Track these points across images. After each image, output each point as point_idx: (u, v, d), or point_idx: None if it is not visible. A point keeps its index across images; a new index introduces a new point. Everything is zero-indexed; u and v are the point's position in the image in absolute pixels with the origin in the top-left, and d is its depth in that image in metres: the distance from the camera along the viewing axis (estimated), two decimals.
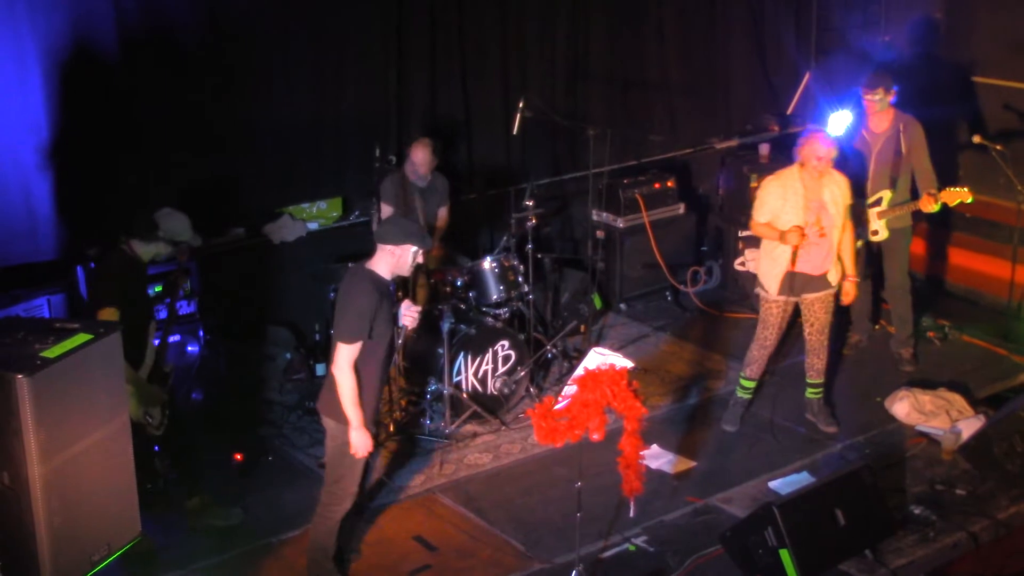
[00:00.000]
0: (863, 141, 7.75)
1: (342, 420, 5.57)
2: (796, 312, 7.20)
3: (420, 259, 5.72)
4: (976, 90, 9.57)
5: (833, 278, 7.03)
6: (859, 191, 7.76)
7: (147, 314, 6.24)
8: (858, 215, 7.61)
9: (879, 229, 7.82)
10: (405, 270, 5.67)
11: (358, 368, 5.52)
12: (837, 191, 6.89)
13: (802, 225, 6.77)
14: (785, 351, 7.77)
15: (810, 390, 7.40)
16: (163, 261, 6.35)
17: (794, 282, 6.94)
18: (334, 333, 5.62)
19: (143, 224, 6.08)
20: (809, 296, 7.05)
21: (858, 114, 7.85)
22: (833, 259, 6.98)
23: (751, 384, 7.36)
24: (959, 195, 7.54)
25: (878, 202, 7.77)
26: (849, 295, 7.13)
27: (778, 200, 6.86)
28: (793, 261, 6.84)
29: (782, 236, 6.80)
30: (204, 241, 7.80)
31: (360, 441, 5.58)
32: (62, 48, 7.05)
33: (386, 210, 7.81)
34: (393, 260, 5.59)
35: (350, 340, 5.47)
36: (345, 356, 5.48)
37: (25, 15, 6.89)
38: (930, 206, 7.59)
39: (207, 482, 6.53)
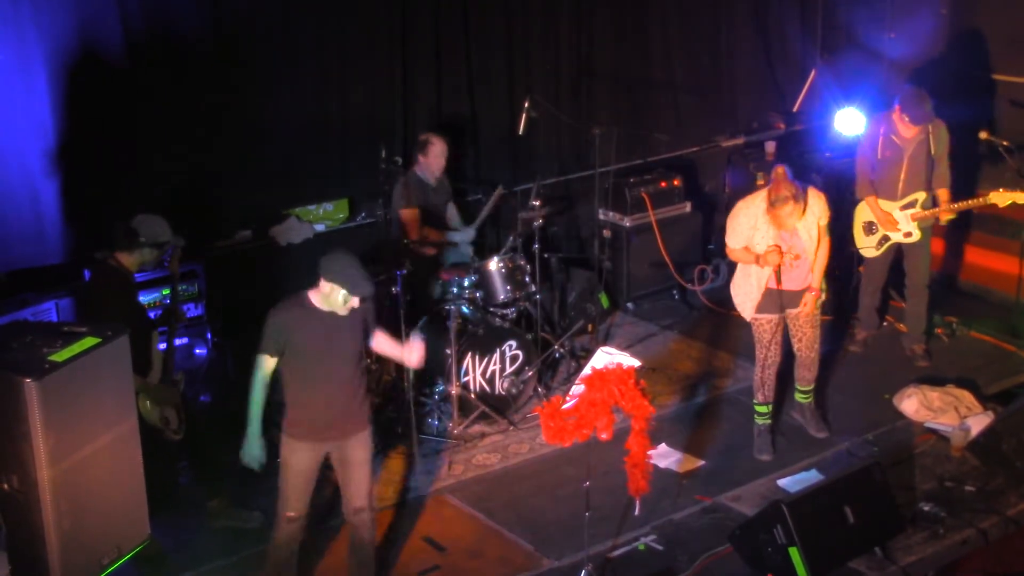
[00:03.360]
0: (893, 145, 7.70)
1: None
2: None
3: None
4: (982, 86, 9.54)
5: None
6: (885, 194, 7.76)
7: (146, 323, 6.25)
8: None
9: (912, 231, 7.81)
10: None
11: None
12: (811, 214, 6.65)
13: (779, 245, 6.62)
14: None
15: (799, 395, 7.31)
16: (151, 268, 6.35)
17: (773, 300, 6.81)
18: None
19: (124, 234, 6.07)
20: (793, 311, 6.91)
21: (884, 118, 7.78)
22: (814, 275, 6.82)
23: (765, 409, 7.13)
24: (1012, 196, 7.55)
25: (912, 204, 7.75)
26: (808, 305, 6.85)
27: (748, 228, 6.71)
28: (778, 280, 6.71)
29: (759, 259, 6.66)
30: (212, 244, 7.88)
31: None
32: (67, 51, 7.06)
33: (407, 214, 7.77)
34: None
35: None
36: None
37: (30, 19, 6.90)
38: (1005, 199, 7.56)
39: (221, 484, 6.54)
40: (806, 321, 6.93)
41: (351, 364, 5.58)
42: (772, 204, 6.51)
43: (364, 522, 5.74)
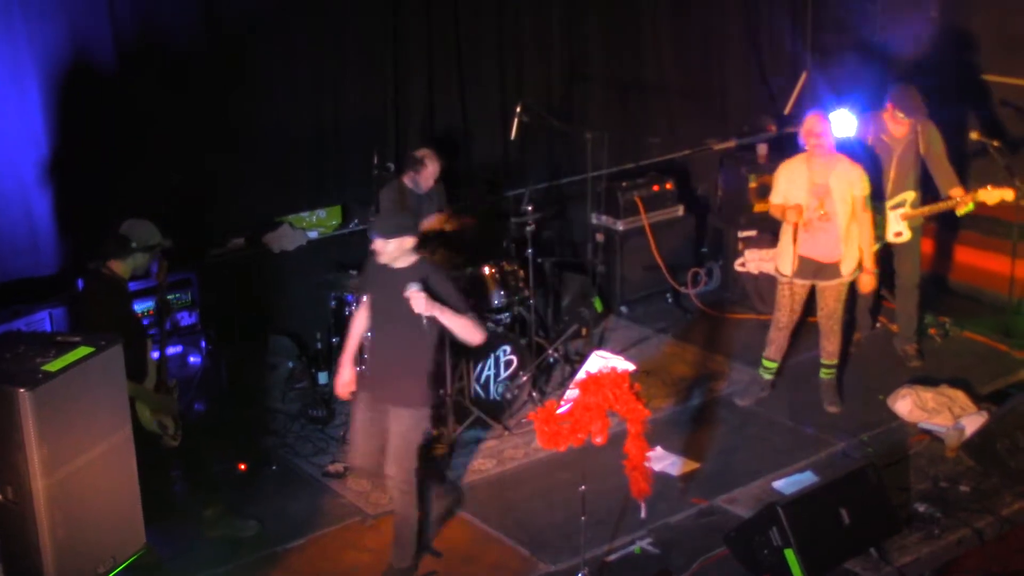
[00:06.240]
0: (883, 145, 7.73)
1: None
2: (812, 302, 7.43)
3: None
4: (972, 87, 9.57)
5: (846, 268, 7.21)
6: (876, 194, 7.77)
7: (140, 331, 6.25)
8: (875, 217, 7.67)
9: (903, 230, 7.83)
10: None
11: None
12: (846, 179, 7.10)
13: (801, 205, 7.08)
14: (796, 347, 7.78)
15: (823, 370, 7.59)
16: (143, 275, 6.36)
17: (803, 266, 7.22)
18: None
19: (115, 242, 6.08)
20: (821, 283, 7.32)
21: (874, 118, 7.81)
22: (844, 248, 7.16)
23: (769, 364, 7.65)
24: (1001, 193, 7.59)
25: (901, 204, 7.77)
26: (867, 286, 7.33)
27: (786, 182, 7.21)
28: (794, 240, 7.09)
29: (783, 212, 7.14)
30: (205, 252, 7.88)
31: None
32: (59, 61, 7.06)
33: None
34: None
35: None
36: None
37: (22, 28, 6.90)
38: (965, 207, 7.64)
39: (216, 493, 6.53)
40: (831, 294, 7.31)
41: (404, 329, 5.66)
42: (803, 124, 7.17)
43: (389, 488, 5.98)
